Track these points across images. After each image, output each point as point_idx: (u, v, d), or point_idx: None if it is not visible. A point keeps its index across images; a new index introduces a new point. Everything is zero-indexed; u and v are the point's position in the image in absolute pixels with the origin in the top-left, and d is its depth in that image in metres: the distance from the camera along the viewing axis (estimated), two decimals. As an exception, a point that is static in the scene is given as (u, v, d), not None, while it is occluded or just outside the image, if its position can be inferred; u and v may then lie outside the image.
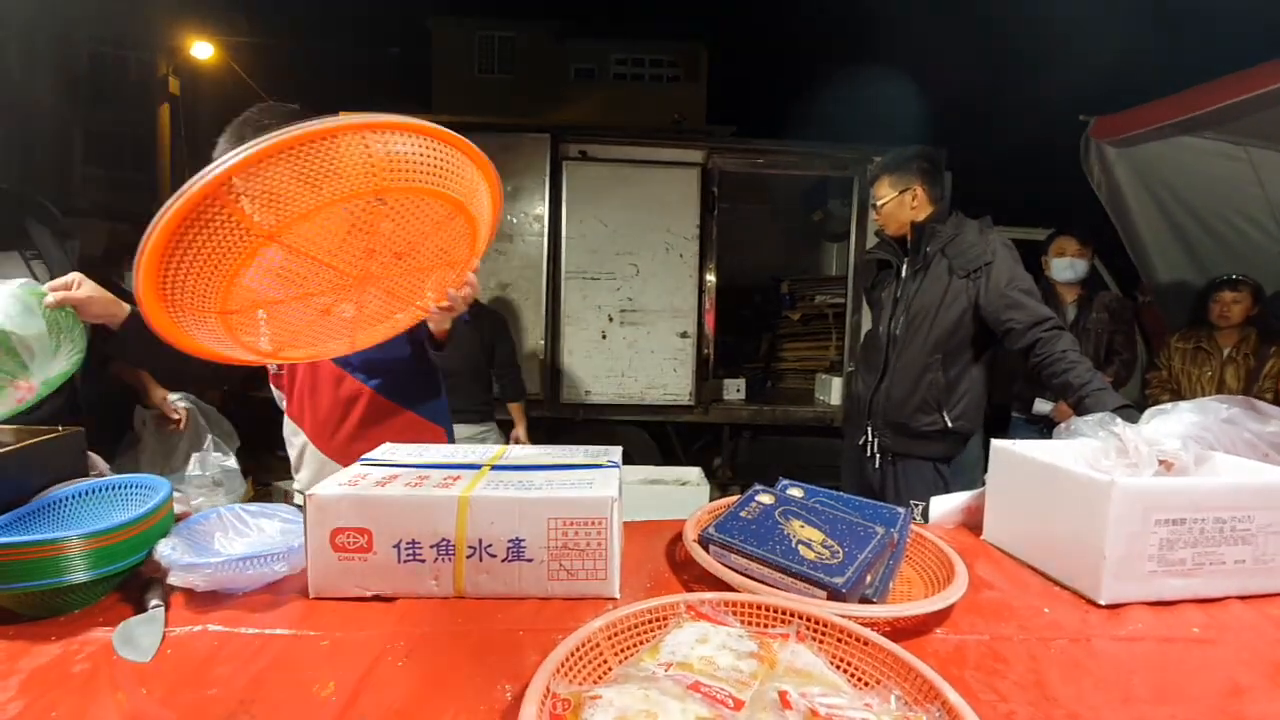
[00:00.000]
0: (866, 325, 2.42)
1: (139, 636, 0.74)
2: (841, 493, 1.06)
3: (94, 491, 0.94)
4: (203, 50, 9.48)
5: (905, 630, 0.81)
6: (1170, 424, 1.02)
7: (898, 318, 1.99)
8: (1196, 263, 3.59)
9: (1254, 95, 2.46)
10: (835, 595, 0.78)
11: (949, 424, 1.93)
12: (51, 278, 1.31)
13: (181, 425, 1.98)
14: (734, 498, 1.07)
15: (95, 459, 1.09)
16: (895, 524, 0.95)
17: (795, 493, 1.06)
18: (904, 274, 2.01)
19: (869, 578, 0.83)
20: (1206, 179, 3.22)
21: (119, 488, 0.95)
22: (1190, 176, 3.26)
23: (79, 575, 0.75)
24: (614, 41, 14.69)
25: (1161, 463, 0.98)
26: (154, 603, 0.80)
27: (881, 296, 2.09)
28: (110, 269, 3.18)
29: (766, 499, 1.02)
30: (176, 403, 1.95)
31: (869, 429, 2.07)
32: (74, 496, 0.92)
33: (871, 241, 3.93)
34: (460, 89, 14.28)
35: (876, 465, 2.07)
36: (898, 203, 1.97)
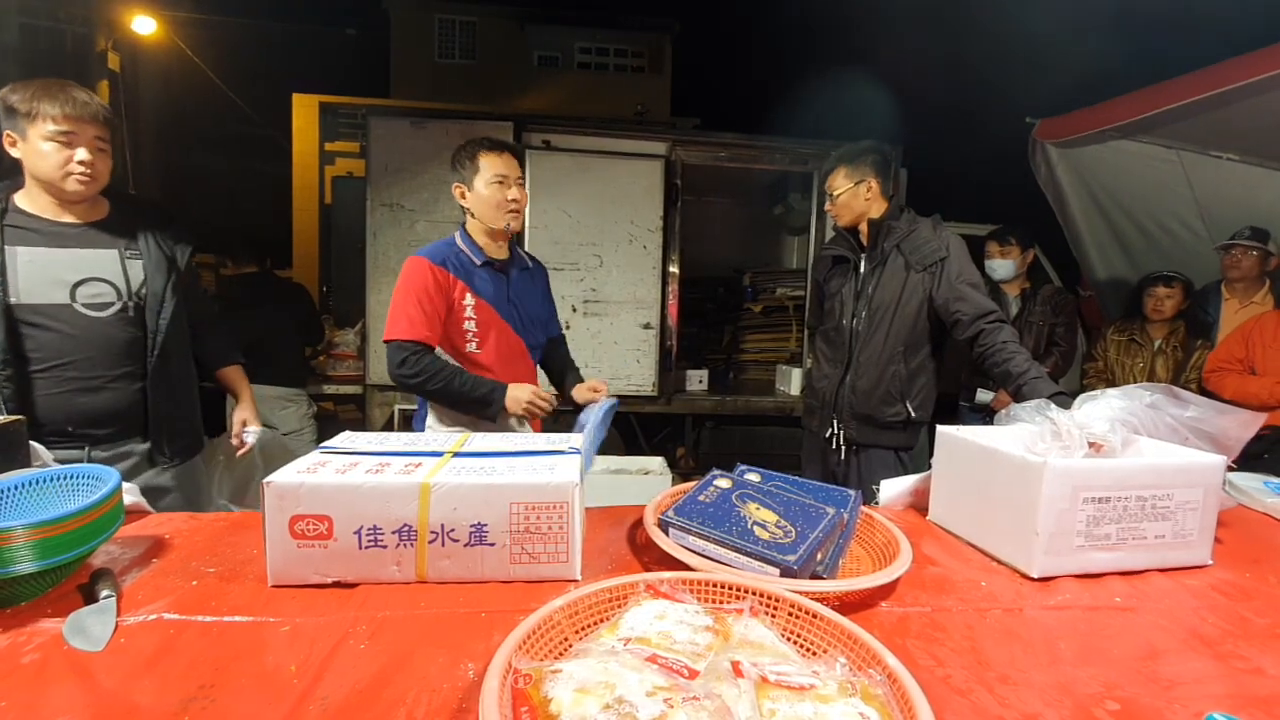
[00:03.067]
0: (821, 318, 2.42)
1: (90, 626, 0.72)
2: (798, 477, 1.11)
3: (39, 482, 0.91)
4: (145, 25, 9.03)
5: (853, 604, 0.85)
6: (1099, 409, 1.09)
7: (859, 313, 2.04)
8: (1131, 260, 3.79)
9: (1181, 104, 2.61)
10: (788, 572, 0.82)
11: (912, 414, 2.00)
12: (141, 275, 1.55)
13: (240, 453, 1.84)
14: (693, 483, 1.10)
15: (39, 449, 1.05)
16: (846, 505, 1.00)
17: (753, 477, 1.10)
18: (862, 269, 2.06)
19: (819, 555, 0.87)
20: (1141, 181, 3.39)
21: (66, 478, 0.93)
22: (1126, 179, 3.44)
23: (25, 566, 0.73)
24: (578, 30, 14.53)
25: (1091, 445, 1.04)
26: (105, 593, 0.78)
27: (842, 291, 2.12)
28: None
29: (724, 483, 1.06)
30: (249, 432, 1.80)
31: (834, 422, 2.11)
32: (20, 487, 0.89)
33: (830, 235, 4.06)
34: (420, 74, 13.93)
35: (842, 456, 2.11)
36: (852, 194, 2.02)
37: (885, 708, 0.56)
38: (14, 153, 1.42)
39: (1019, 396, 1.59)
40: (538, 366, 1.92)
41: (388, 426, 3.76)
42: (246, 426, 1.82)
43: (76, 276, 1.46)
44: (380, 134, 3.67)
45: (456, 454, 0.97)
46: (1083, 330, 4.29)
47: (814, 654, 0.68)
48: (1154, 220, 3.58)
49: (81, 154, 1.41)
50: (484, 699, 0.52)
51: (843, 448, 2.10)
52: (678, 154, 3.89)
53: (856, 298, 2.06)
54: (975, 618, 0.84)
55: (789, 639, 0.70)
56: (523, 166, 1.74)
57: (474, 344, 1.71)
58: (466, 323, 1.69)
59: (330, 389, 3.96)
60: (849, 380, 2.05)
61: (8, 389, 1.42)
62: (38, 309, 1.43)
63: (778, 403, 4.25)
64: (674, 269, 3.96)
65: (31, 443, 1.04)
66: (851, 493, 1.05)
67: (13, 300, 1.40)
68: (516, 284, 1.78)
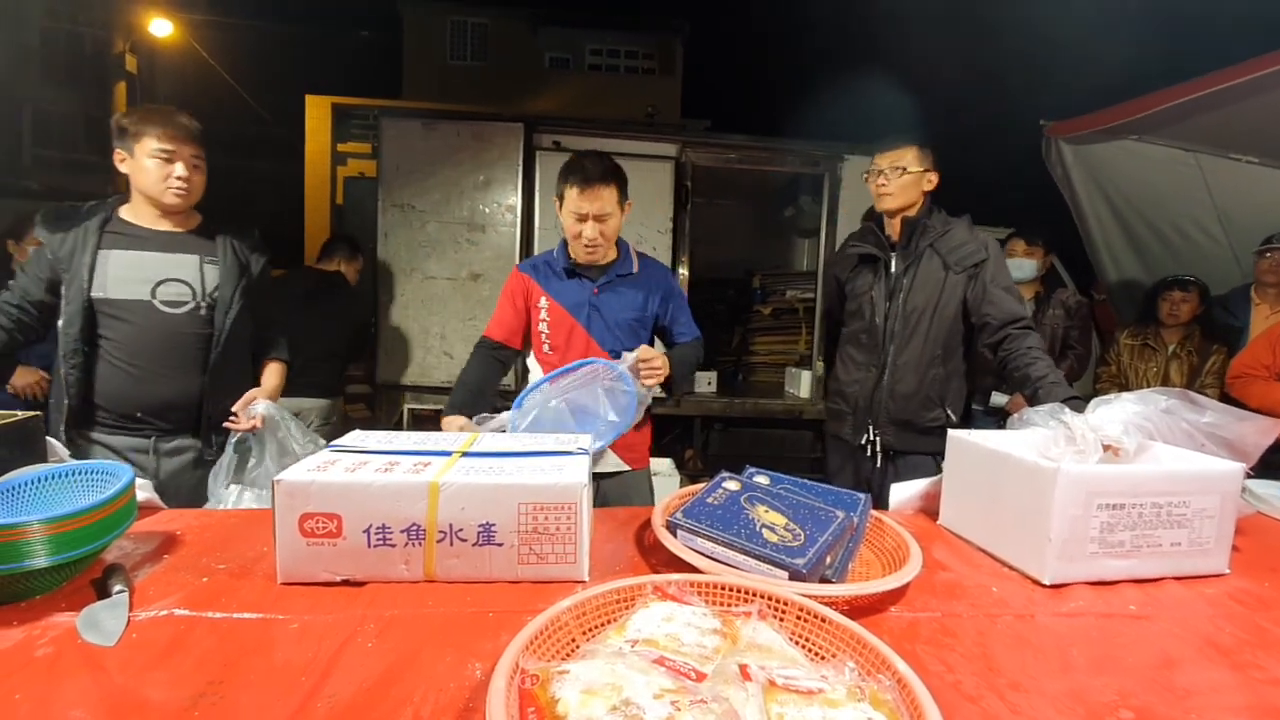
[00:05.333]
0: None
1: (103, 621, 0.73)
2: (807, 480, 1.10)
3: (55, 477, 0.92)
4: (162, 27, 9.13)
5: (863, 608, 0.84)
6: (1114, 413, 1.08)
7: (892, 313, 1.95)
8: (1146, 264, 3.75)
9: (1198, 96, 2.57)
10: (796, 576, 0.81)
11: (951, 417, 1.93)
12: (216, 279, 1.73)
13: (239, 427, 1.73)
14: (701, 485, 1.09)
15: (56, 445, 1.07)
16: (856, 509, 0.99)
17: (761, 480, 1.09)
18: (893, 268, 1.97)
19: (829, 559, 0.87)
20: (1157, 185, 3.35)
21: (81, 474, 0.94)
22: (1142, 182, 3.39)
23: (40, 560, 0.74)
24: (588, 32, 14.57)
25: (1106, 448, 1.03)
26: (118, 588, 0.79)
27: (872, 291, 2.00)
28: None
29: (733, 485, 1.05)
30: (255, 409, 1.71)
31: (870, 428, 2.00)
32: (35, 482, 0.91)
33: (845, 236, 4.04)
34: (431, 75, 14.02)
35: (878, 464, 2.00)
36: (917, 179, 1.92)
37: (895, 713, 0.55)
38: (123, 168, 1.63)
39: (1034, 401, 1.57)
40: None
41: (397, 425, 3.78)
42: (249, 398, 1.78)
43: (159, 277, 1.66)
44: (392, 135, 3.69)
45: (465, 453, 0.97)
46: (1097, 335, 4.25)
47: (822, 658, 0.68)
48: (1170, 224, 3.53)
49: (179, 169, 1.62)
50: (491, 699, 0.52)
51: (879, 455, 2.00)
52: (688, 156, 3.89)
53: (889, 298, 1.96)
54: (986, 624, 0.83)
55: (797, 643, 0.69)
56: (622, 188, 1.74)
57: (547, 345, 1.82)
58: (540, 324, 1.81)
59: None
60: (885, 384, 1.96)
61: (74, 375, 1.60)
62: (119, 304, 1.62)
63: (787, 405, 4.23)
64: (684, 271, 3.96)
65: (48, 439, 1.05)
66: (861, 496, 1.04)
67: (97, 295, 1.61)
68: (607, 291, 1.80)
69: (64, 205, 1.69)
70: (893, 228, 1.99)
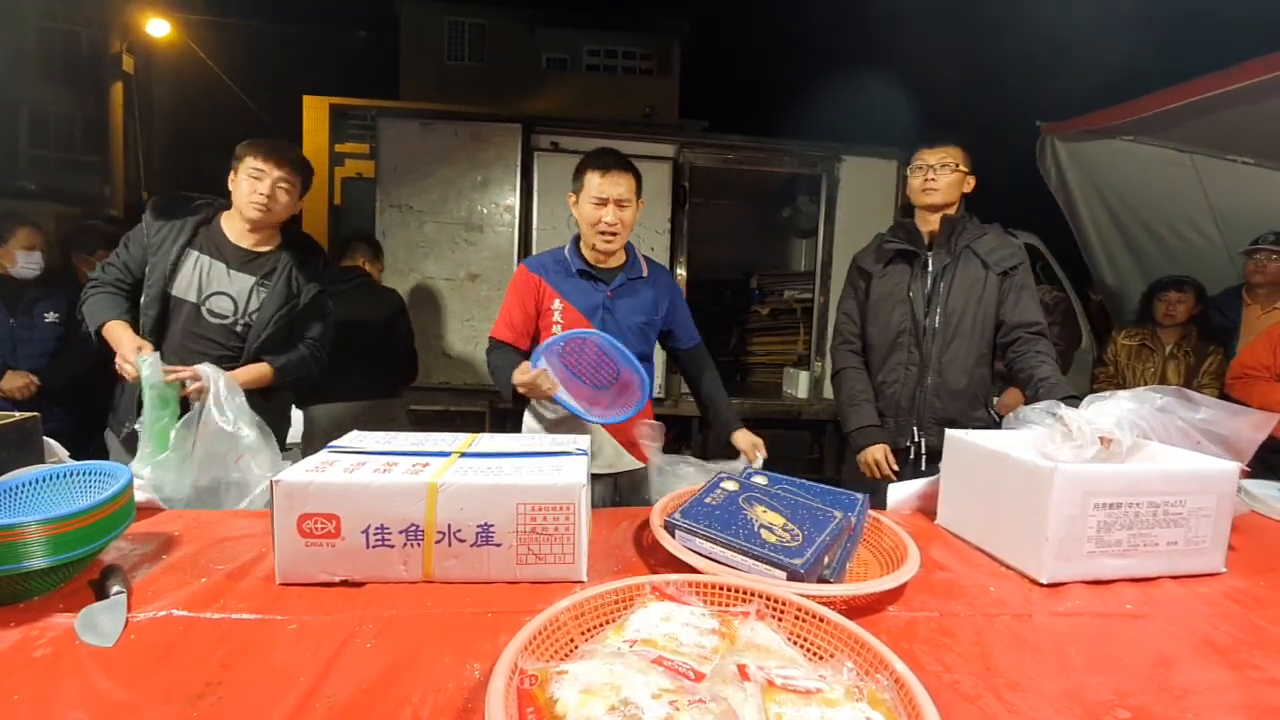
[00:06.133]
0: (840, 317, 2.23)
1: (101, 622, 0.73)
2: (806, 480, 1.10)
3: (53, 478, 0.92)
4: (159, 28, 9.12)
5: (860, 608, 0.85)
6: (1109, 408, 1.08)
7: (933, 311, 1.91)
8: (1141, 264, 3.76)
9: (1192, 100, 2.58)
10: (794, 576, 0.82)
11: (993, 417, 1.91)
12: (259, 303, 1.81)
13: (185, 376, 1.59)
14: (699, 485, 1.10)
15: (54, 445, 1.06)
16: (853, 509, 0.99)
17: (759, 480, 1.09)
18: (930, 267, 1.93)
19: (827, 559, 0.87)
20: (1153, 185, 3.36)
21: (79, 474, 0.93)
22: (1138, 183, 3.40)
23: (37, 561, 0.74)
24: (586, 32, 14.57)
25: (1102, 440, 1.03)
26: (116, 589, 0.79)
27: (910, 290, 1.94)
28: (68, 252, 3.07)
29: (731, 486, 1.06)
30: (205, 371, 1.55)
31: (914, 429, 1.92)
32: (32, 483, 0.90)
33: (847, 238, 4.04)
34: (429, 76, 14.01)
35: (922, 467, 1.91)
36: (961, 178, 1.90)
37: (893, 713, 0.55)
38: (231, 188, 1.79)
39: (1034, 400, 1.57)
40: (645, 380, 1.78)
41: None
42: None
43: (217, 288, 1.78)
44: (389, 135, 3.69)
45: (464, 454, 0.97)
46: (1094, 335, 4.27)
47: (821, 658, 0.68)
48: (1166, 225, 3.55)
49: (263, 187, 1.74)
50: (490, 699, 0.52)
51: (923, 458, 1.91)
52: (686, 156, 3.89)
53: (928, 297, 1.92)
54: (984, 623, 0.84)
55: (795, 643, 0.70)
56: (639, 183, 1.73)
57: None
58: (554, 327, 1.74)
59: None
60: (930, 383, 1.90)
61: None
62: (179, 302, 1.75)
63: (785, 405, 4.24)
64: (681, 271, 3.96)
65: (46, 439, 1.05)
66: (860, 496, 1.04)
67: (171, 290, 1.74)
68: (619, 293, 1.77)
69: (176, 195, 1.84)
70: (931, 225, 1.95)
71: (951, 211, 1.93)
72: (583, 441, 1.05)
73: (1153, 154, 3.22)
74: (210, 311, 1.77)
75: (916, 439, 1.94)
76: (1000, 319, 1.87)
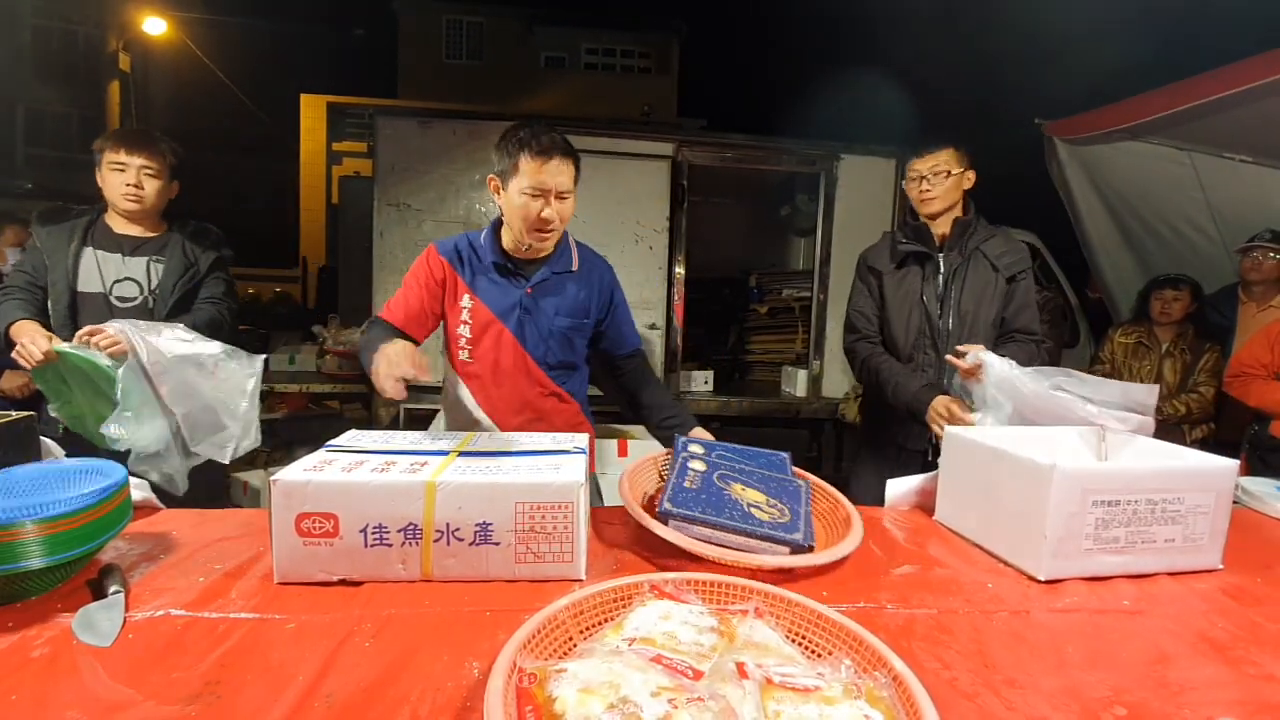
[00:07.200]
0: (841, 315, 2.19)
1: (99, 622, 0.73)
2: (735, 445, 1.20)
3: (51, 477, 0.92)
4: (155, 26, 9.10)
5: (843, 596, 0.85)
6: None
7: (946, 313, 1.91)
8: (1140, 262, 3.76)
9: (1194, 105, 2.58)
10: (798, 549, 0.83)
11: None
12: (159, 277, 1.87)
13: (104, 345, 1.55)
14: (657, 454, 1.21)
15: (51, 445, 1.06)
16: (788, 469, 1.08)
17: (696, 449, 1.16)
18: (942, 268, 1.93)
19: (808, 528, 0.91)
20: (1152, 183, 3.36)
21: (75, 473, 0.93)
22: (1137, 180, 3.41)
23: (34, 561, 0.74)
24: (584, 31, 14.57)
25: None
26: (113, 589, 0.79)
27: (923, 291, 1.93)
28: None
29: (699, 465, 1.09)
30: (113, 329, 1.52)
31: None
32: (30, 482, 0.90)
33: (845, 236, 4.04)
34: (427, 75, 13.99)
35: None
36: (959, 179, 1.89)
37: (891, 710, 0.56)
38: (101, 185, 1.84)
39: None
40: (572, 394, 1.64)
41: (393, 425, 3.77)
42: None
43: (116, 275, 1.84)
44: (387, 134, 3.68)
45: (462, 453, 0.97)
46: (1091, 333, 4.28)
47: (819, 656, 0.68)
48: (1165, 222, 3.55)
49: (129, 178, 1.80)
50: (489, 698, 0.52)
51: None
52: (684, 155, 3.89)
53: (941, 300, 1.92)
54: (982, 620, 0.84)
55: (794, 640, 0.70)
56: (577, 170, 1.45)
57: (465, 352, 1.53)
58: (461, 327, 1.51)
59: (336, 387, 3.98)
60: (948, 386, 1.85)
61: None
62: (85, 297, 1.81)
63: (783, 403, 4.24)
64: (680, 270, 3.96)
65: (43, 438, 1.05)
66: (783, 455, 1.15)
67: (76, 288, 1.81)
68: (541, 290, 1.52)
69: (58, 205, 1.92)
70: (942, 229, 1.95)
71: (959, 212, 1.93)
72: (581, 440, 1.05)
73: (1151, 151, 3.22)
74: (119, 299, 1.83)
75: (933, 441, 1.88)
76: (996, 319, 1.88)
